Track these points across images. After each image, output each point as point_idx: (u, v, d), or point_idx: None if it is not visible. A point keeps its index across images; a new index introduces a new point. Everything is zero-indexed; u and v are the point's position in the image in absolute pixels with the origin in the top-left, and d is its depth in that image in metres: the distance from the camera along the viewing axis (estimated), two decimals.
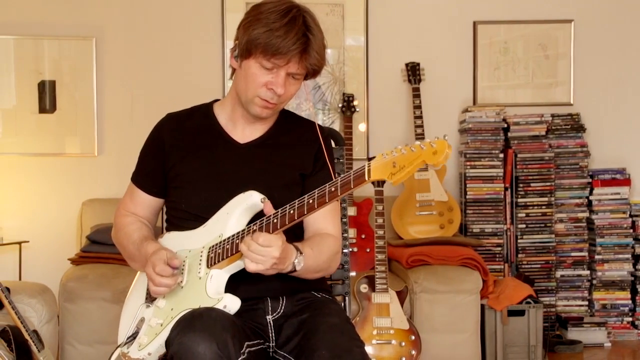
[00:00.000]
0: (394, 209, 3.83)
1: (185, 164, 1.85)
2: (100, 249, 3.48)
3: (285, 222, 1.61)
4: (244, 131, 1.88)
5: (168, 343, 1.63)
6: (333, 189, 1.54)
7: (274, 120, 1.91)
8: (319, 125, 1.90)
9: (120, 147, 4.06)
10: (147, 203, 1.93)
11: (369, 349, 3.18)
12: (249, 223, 1.70)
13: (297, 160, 1.86)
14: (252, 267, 1.62)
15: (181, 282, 1.74)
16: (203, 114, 1.92)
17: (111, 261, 3.41)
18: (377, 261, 3.33)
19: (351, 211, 3.68)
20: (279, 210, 1.62)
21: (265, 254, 1.60)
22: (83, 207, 3.86)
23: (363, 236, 3.68)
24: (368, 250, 3.63)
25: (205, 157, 1.85)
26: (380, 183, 3.37)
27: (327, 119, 4.13)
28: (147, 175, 1.92)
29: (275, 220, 1.61)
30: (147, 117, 3.95)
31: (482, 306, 3.48)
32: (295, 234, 1.81)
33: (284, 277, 1.74)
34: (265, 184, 1.76)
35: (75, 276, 3.31)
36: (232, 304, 1.66)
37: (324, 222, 1.84)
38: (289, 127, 1.91)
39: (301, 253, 1.71)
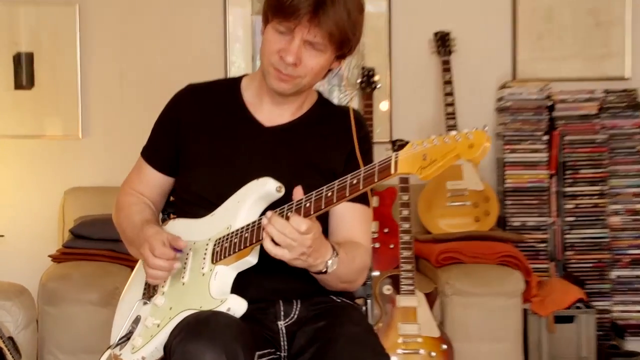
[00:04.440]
0: (421, 200, 3.83)
1: (200, 144, 1.87)
2: (85, 245, 3.50)
3: (301, 213, 1.60)
4: (270, 112, 1.89)
5: (169, 350, 1.63)
6: (355, 182, 1.54)
7: (308, 106, 1.92)
8: (357, 119, 1.87)
9: (107, 128, 4.06)
10: (155, 181, 1.96)
11: None
12: (262, 214, 1.68)
13: (326, 155, 1.87)
14: (276, 252, 1.60)
15: (183, 276, 1.75)
16: (228, 88, 1.94)
17: (98, 258, 3.44)
18: (403, 259, 3.32)
19: (372, 202, 3.66)
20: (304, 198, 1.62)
21: (299, 240, 1.58)
22: (65, 197, 3.88)
23: (386, 230, 3.69)
24: (392, 246, 3.61)
25: (223, 138, 1.87)
26: None
27: (344, 96, 4.14)
28: (158, 150, 1.95)
29: (289, 214, 1.61)
30: (139, 94, 4.09)
31: (525, 311, 3.49)
32: None
33: (300, 277, 1.73)
34: (285, 175, 1.75)
35: (57, 275, 3.34)
36: (237, 306, 1.65)
37: (356, 231, 1.86)
38: (323, 117, 1.92)
39: (337, 254, 1.69)
